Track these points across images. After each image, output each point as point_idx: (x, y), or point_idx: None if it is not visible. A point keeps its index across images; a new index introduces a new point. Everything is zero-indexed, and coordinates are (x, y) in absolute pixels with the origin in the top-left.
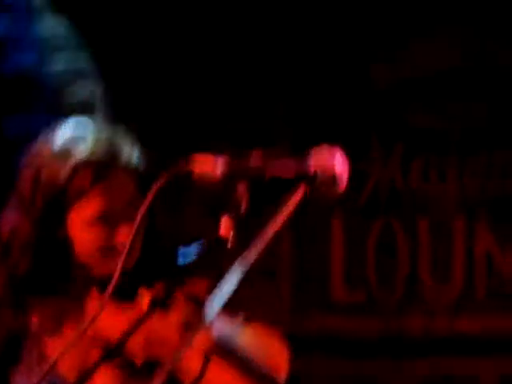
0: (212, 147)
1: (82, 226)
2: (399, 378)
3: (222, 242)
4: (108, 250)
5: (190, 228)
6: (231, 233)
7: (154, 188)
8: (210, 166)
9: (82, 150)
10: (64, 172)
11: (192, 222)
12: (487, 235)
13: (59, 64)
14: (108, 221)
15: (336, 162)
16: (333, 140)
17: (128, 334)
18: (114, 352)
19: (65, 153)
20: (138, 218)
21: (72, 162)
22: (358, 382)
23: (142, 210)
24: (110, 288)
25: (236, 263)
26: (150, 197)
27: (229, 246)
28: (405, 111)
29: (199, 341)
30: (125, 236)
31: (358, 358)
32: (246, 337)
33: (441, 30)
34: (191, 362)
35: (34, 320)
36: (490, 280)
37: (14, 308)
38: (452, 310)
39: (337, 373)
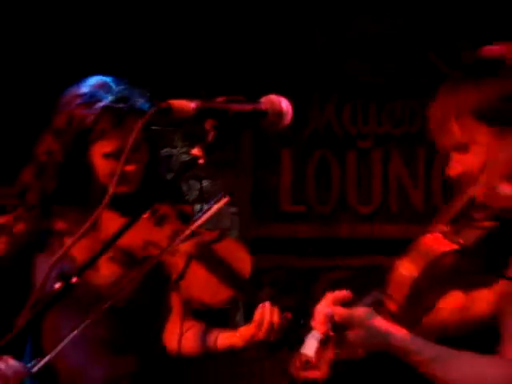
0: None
1: (100, 158)
2: (331, 270)
3: (196, 159)
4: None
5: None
6: (202, 153)
7: (144, 117)
8: (184, 103)
9: (107, 99)
10: (91, 116)
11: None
12: (398, 163)
13: None
14: (118, 156)
15: (282, 102)
16: (282, 89)
17: (124, 229)
18: (111, 245)
19: (93, 100)
20: (132, 137)
21: (98, 108)
22: (299, 272)
23: (134, 133)
24: (106, 199)
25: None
26: (140, 124)
27: (200, 162)
28: (339, 67)
29: (184, 245)
30: (129, 168)
31: (301, 255)
32: (220, 245)
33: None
34: (178, 260)
35: (60, 223)
36: (400, 196)
37: (42, 211)
38: (371, 218)
39: (284, 266)
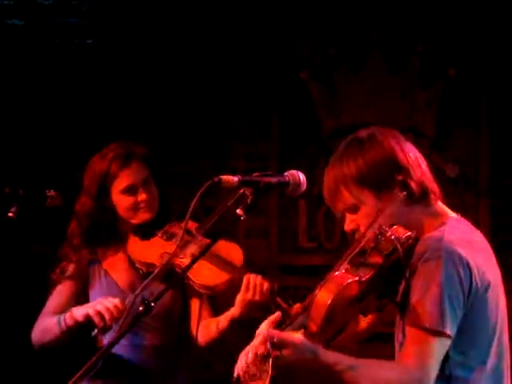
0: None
1: (117, 195)
2: None
3: (239, 217)
4: (134, 207)
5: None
6: (243, 212)
7: (201, 189)
8: (230, 177)
9: (114, 151)
10: (105, 164)
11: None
12: None
13: None
14: (132, 190)
15: (300, 175)
16: (299, 163)
17: (191, 264)
18: (182, 279)
19: (104, 155)
20: (191, 206)
21: (108, 158)
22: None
23: (193, 202)
24: (182, 233)
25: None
26: (198, 194)
27: (242, 218)
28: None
29: (189, 250)
30: (142, 198)
31: (313, 276)
32: (217, 245)
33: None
34: (187, 261)
35: (100, 255)
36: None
37: (86, 248)
38: None
39: (304, 285)
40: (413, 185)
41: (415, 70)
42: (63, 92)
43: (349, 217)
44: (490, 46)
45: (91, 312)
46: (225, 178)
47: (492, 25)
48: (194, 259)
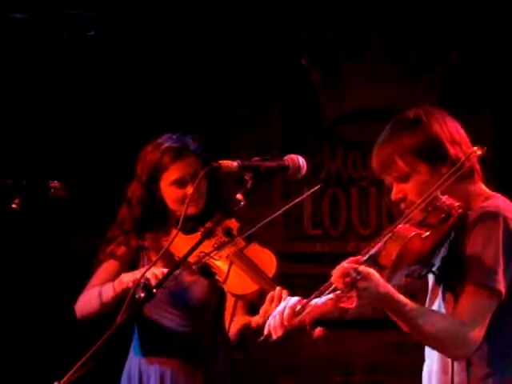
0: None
1: (166, 187)
2: None
3: (239, 201)
4: (182, 200)
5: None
6: (243, 197)
7: (201, 173)
8: (230, 162)
9: (167, 143)
10: (157, 155)
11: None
12: (387, 196)
13: None
14: (181, 184)
15: (300, 159)
16: (303, 150)
17: (193, 249)
18: (183, 262)
19: (157, 146)
20: (193, 187)
21: (161, 149)
22: (318, 277)
23: (195, 184)
24: (179, 225)
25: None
26: (197, 180)
27: (242, 204)
28: (342, 132)
29: (225, 252)
30: (190, 192)
31: (319, 263)
32: (250, 250)
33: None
34: (222, 265)
35: (147, 241)
36: (390, 221)
37: (136, 233)
38: (370, 238)
39: (310, 272)
40: (465, 162)
41: (416, 55)
42: (65, 84)
43: (397, 186)
44: (492, 29)
45: (149, 274)
46: (224, 163)
47: (493, 7)
48: (192, 248)
